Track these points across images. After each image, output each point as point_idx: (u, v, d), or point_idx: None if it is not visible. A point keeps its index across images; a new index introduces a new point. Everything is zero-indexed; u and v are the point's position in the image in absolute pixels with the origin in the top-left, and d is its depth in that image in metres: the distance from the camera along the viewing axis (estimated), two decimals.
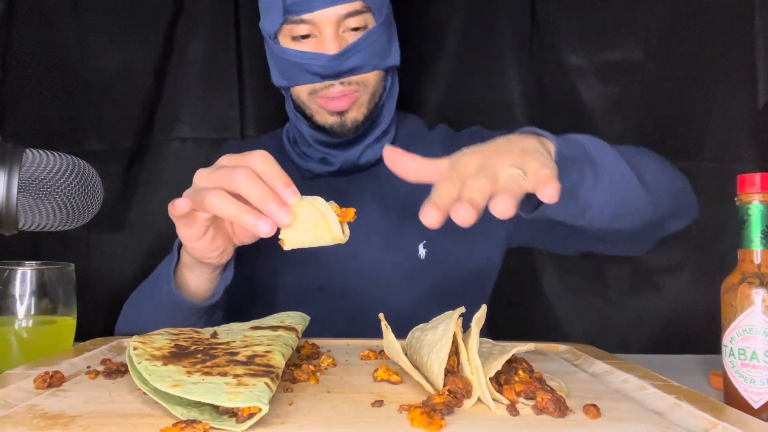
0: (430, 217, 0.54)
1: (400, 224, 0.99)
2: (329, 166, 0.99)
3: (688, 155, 1.21)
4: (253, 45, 1.25)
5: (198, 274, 0.75)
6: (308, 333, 0.77)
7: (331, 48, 0.89)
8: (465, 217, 0.52)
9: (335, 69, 0.89)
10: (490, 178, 0.54)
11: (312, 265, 0.96)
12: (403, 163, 0.61)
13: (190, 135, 1.26)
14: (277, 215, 0.59)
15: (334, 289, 0.97)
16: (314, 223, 0.60)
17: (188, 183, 0.66)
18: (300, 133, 0.99)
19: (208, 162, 0.66)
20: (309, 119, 0.95)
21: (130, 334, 0.84)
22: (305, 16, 0.88)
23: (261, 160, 0.61)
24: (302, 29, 0.90)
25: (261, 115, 1.26)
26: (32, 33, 1.22)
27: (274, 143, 1.07)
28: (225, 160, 0.64)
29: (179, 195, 0.66)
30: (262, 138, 1.13)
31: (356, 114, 0.94)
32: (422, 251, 0.97)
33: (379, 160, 1.00)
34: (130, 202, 1.25)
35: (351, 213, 0.62)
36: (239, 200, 0.60)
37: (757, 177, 0.60)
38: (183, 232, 0.67)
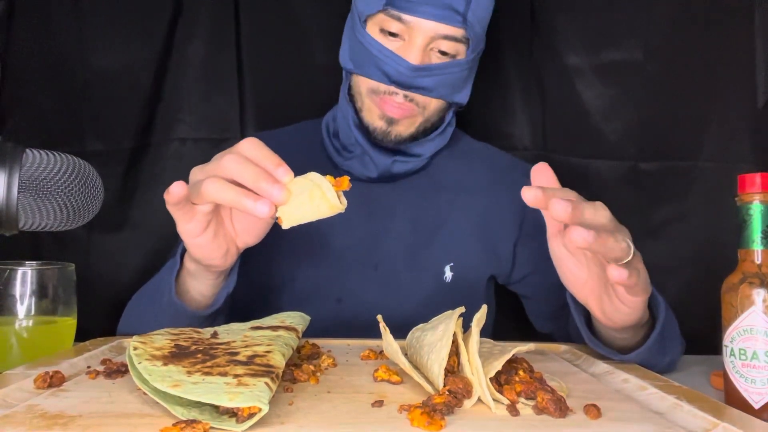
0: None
1: (428, 242, 0.97)
2: (368, 171, 0.95)
3: (688, 155, 1.21)
4: (253, 45, 1.25)
5: (202, 281, 0.73)
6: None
7: (414, 58, 0.85)
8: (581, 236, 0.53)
9: (408, 80, 0.86)
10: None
11: (331, 274, 0.95)
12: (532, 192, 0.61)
13: (190, 135, 1.26)
14: (270, 192, 0.59)
15: (353, 300, 0.95)
16: (309, 195, 0.59)
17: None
18: (342, 121, 0.96)
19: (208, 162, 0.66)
20: (357, 111, 0.93)
21: (131, 336, 0.84)
22: (405, 16, 0.85)
23: (249, 145, 0.62)
24: (394, 27, 0.86)
25: (261, 115, 1.26)
26: (32, 33, 1.22)
27: (308, 133, 1.04)
28: (216, 156, 0.64)
29: None
30: (290, 127, 1.09)
31: (403, 130, 0.91)
32: (449, 274, 0.96)
33: (416, 172, 0.99)
34: (130, 202, 1.25)
35: (345, 181, 0.61)
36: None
37: (757, 177, 0.60)
38: (183, 227, 0.66)
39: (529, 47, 1.24)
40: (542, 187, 0.56)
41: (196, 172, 0.65)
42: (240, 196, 0.59)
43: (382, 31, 0.88)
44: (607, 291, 0.63)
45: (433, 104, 0.91)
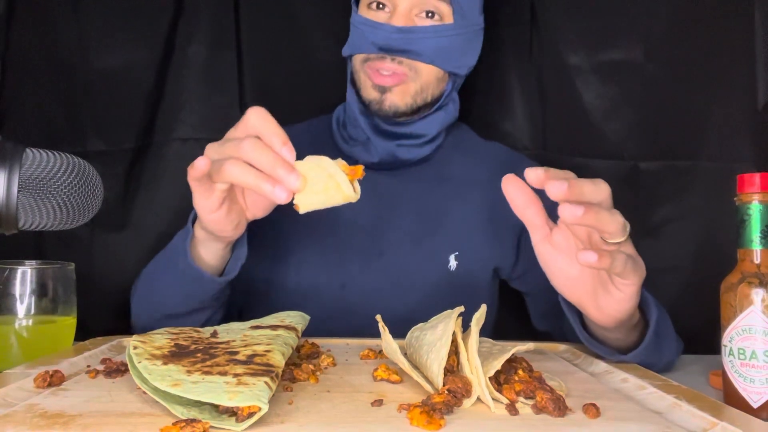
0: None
1: (433, 231, 0.98)
2: (370, 156, 0.97)
3: (688, 155, 1.21)
4: (253, 45, 1.25)
5: (211, 249, 0.76)
6: (324, 331, 0.78)
7: (397, 21, 0.90)
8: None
9: (394, 43, 0.90)
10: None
11: (336, 260, 0.96)
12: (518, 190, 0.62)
13: (191, 135, 1.26)
14: (287, 180, 0.61)
15: (357, 287, 0.96)
16: (324, 185, 0.61)
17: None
18: (349, 111, 0.99)
19: None
20: (358, 92, 0.96)
21: (146, 310, 0.85)
22: None
23: (256, 117, 0.63)
24: None
25: None
26: (33, 32, 1.22)
27: (318, 128, 1.07)
28: (230, 132, 0.66)
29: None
30: (301, 124, 1.11)
31: (398, 99, 0.92)
32: (453, 263, 0.97)
33: (422, 161, 1.00)
34: (132, 201, 1.25)
35: (360, 170, 0.63)
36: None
37: (756, 177, 0.60)
38: (200, 203, 0.68)
39: (529, 47, 1.25)
40: (545, 168, 0.57)
41: (213, 152, 0.66)
42: (260, 180, 0.62)
43: (370, 6, 0.93)
44: (601, 281, 0.63)
45: (424, 71, 0.92)
